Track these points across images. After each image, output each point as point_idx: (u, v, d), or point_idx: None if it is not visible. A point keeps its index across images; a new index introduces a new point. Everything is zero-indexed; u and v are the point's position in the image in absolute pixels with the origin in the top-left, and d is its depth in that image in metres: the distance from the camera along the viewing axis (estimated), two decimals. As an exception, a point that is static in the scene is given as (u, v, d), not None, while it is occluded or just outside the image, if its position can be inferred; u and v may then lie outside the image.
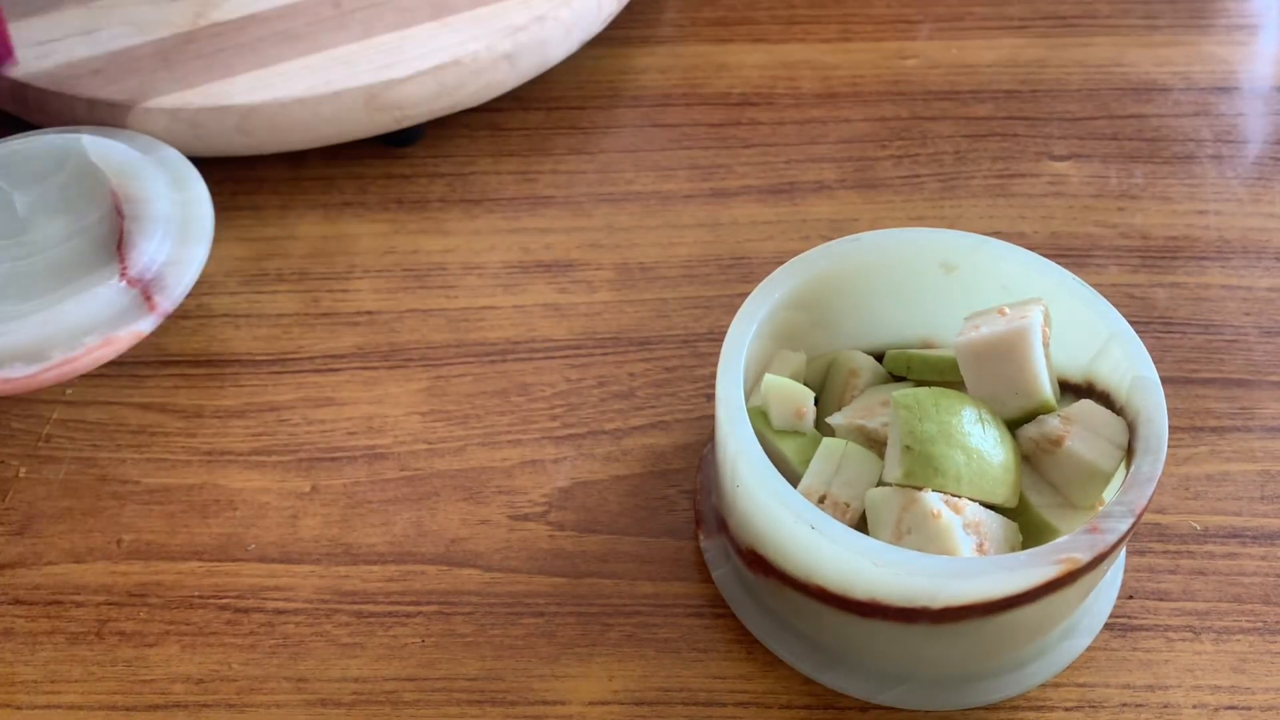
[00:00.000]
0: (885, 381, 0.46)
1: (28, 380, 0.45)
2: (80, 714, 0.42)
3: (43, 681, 0.43)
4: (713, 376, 0.43)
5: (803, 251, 0.45)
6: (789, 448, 0.43)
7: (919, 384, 0.44)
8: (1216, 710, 0.42)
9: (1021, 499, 0.41)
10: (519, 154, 0.60)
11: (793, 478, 0.41)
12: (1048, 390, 0.41)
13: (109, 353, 0.47)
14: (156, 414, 0.50)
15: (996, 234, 0.50)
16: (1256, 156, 0.60)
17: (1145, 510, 0.38)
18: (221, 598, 0.45)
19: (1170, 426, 0.40)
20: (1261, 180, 0.59)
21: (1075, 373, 0.44)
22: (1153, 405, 0.40)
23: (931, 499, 0.39)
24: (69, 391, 0.51)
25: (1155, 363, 0.42)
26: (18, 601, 0.45)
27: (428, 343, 0.52)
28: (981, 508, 0.39)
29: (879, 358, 0.46)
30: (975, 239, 0.45)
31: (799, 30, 0.66)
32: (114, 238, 0.49)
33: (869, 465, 0.42)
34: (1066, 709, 0.42)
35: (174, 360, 0.52)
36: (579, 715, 0.42)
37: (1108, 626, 0.43)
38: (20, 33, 0.58)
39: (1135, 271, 0.55)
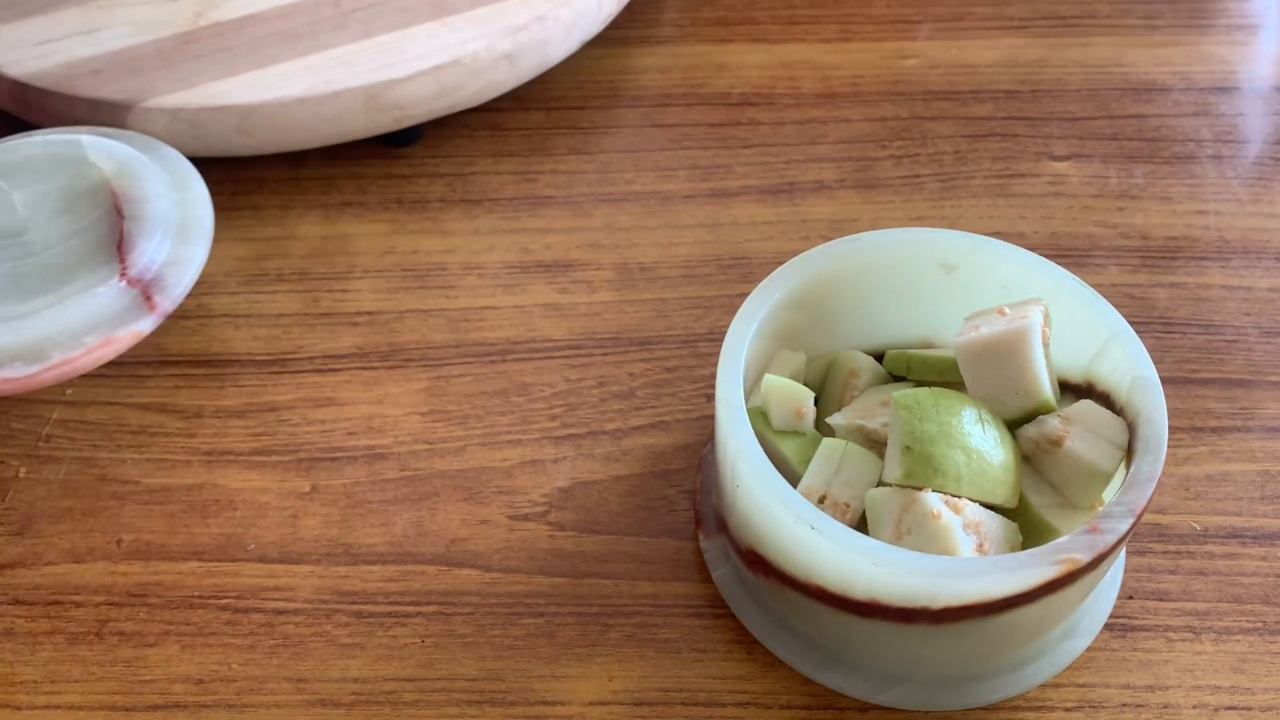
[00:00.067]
0: (885, 381, 0.46)
1: (28, 380, 0.45)
2: (80, 714, 0.42)
3: (43, 681, 0.43)
4: (713, 376, 0.43)
5: (803, 251, 0.45)
6: (789, 448, 0.43)
7: (919, 384, 0.44)
8: (1216, 710, 0.42)
9: (1021, 499, 0.41)
10: (519, 154, 0.60)
11: (793, 478, 0.41)
12: (1048, 390, 0.41)
13: (109, 353, 0.47)
14: (156, 414, 0.50)
15: (996, 234, 0.50)
16: (1256, 156, 0.60)
17: (1145, 510, 0.38)
18: (221, 598, 0.45)
19: (1170, 426, 0.40)
20: (1261, 180, 0.59)
21: (1075, 373, 0.44)
22: (1153, 405, 0.40)
23: (931, 499, 0.39)
24: (69, 391, 0.51)
25: (1155, 363, 0.42)
26: (18, 601, 0.45)
27: (428, 343, 0.52)
28: (981, 508, 0.39)
29: (879, 358, 0.46)
30: (975, 239, 0.45)
31: (799, 30, 0.66)
32: (114, 238, 0.49)
33: (869, 465, 0.42)
34: (1066, 709, 0.42)
35: (174, 360, 0.52)
36: (579, 716, 0.42)
37: (1108, 627, 0.43)
38: (20, 33, 0.58)
39: (1135, 271, 0.55)
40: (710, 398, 0.50)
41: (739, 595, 0.44)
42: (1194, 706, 0.42)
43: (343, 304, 0.54)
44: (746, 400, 0.41)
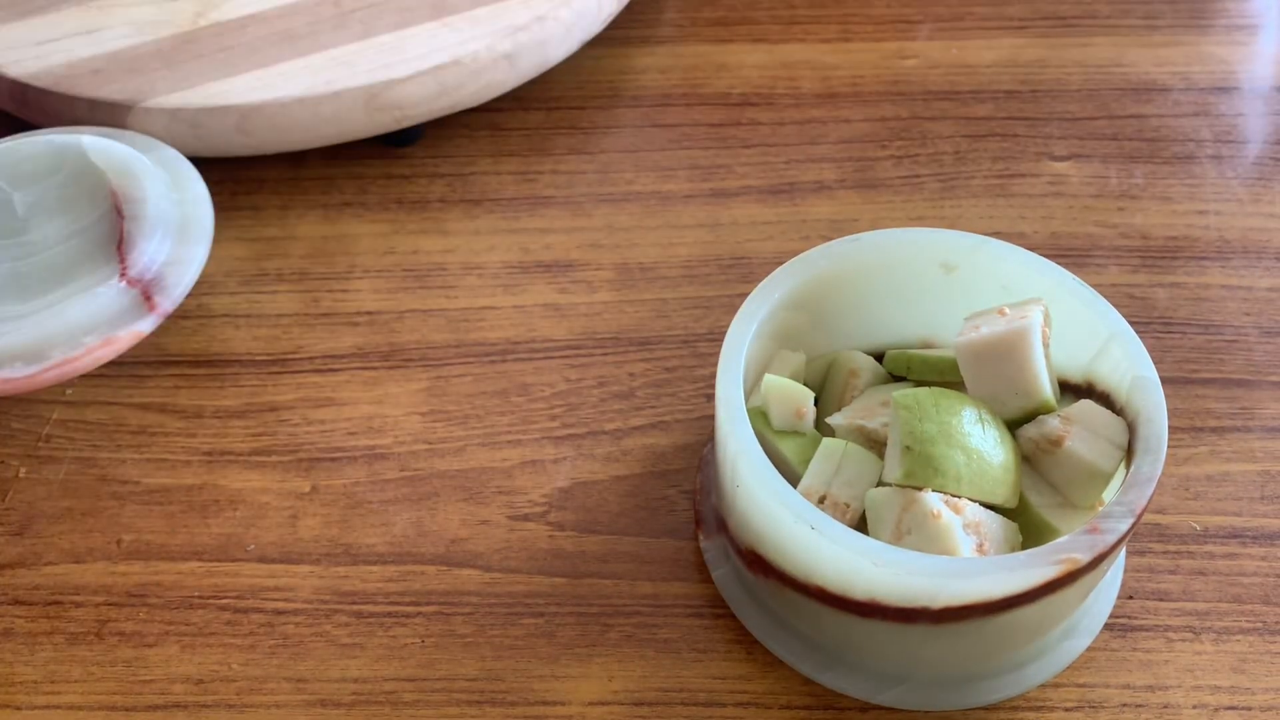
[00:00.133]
0: (885, 381, 0.46)
1: (28, 380, 0.45)
2: (80, 714, 0.42)
3: (43, 681, 0.43)
4: (713, 376, 0.43)
5: (803, 251, 0.45)
6: (789, 448, 0.43)
7: (919, 384, 0.44)
8: (1216, 710, 0.42)
9: (1021, 499, 0.41)
10: (519, 154, 0.60)
11: (793, 478, 0.41)
12: (1048, 390, 0.41)
13: (109, 353, 0.47)
14: (156, 414, 0.50)
15: (996, 234, 0.50)
16: (1256, 156, 0.60)
17: (1145, 510, 0.38)
18: (221, 598, 0.45)
19: (1170, 426, 0.40)
20: (1261, 180, 0.59)
21: (1075, 373, 0.44)
22: (1153, 405, 0.40)
23: (931, 499, 0.39)
24: (69, 391, 0.51)
25: (1155, 363, 0.42)
26: (18, 601, 0.45)
27: (428, 343, 0.52)
28: (981, 508, 0.39)
29: (879, 358, 0.46)
30: (975, 239, 0.45)
31: (799, 30, 0.66)
32: (114, 238, 0.49)
33: (869, 465, 0.42)
34: (1066, 709, 0.42)
35: (174, 360, 0.52)
36: (579, 716, 0.42)
37: (1108, 627, 0.43)
38: (20, 33, 0.58)
39: (1135, 271, 0.55)
40: (710, 398, 0.50)
41: (739, 595, 0.44)
42: (1194, 706, 0.42)
43: (343, 304, 0.54)
44: (746, 400, 0.41)
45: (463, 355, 0.52)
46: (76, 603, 0.45)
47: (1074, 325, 0.44)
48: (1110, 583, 0.44)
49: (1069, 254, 0.55)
